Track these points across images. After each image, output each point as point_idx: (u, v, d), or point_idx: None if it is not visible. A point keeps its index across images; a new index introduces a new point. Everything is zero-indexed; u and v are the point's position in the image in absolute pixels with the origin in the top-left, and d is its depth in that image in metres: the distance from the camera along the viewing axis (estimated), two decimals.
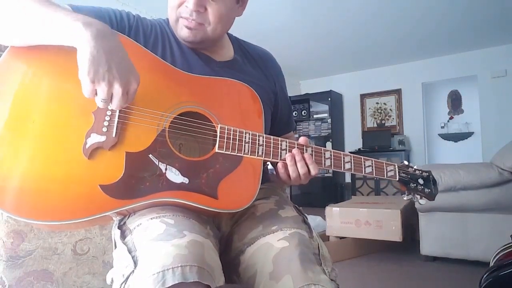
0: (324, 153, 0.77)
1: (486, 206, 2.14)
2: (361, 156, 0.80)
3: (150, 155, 0.65)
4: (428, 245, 2.36)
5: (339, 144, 5.72)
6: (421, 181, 0.84)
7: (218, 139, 0.71)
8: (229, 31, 0.90)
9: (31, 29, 0.60)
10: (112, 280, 0.58)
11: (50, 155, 0.61)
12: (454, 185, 2.16)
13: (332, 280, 0.64)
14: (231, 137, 0.72)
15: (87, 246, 0.97)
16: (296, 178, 0.75)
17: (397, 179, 0.82)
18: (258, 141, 0.73)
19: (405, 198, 0.86)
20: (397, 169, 0.82)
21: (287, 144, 0.75)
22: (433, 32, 4.19)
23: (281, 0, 3.35)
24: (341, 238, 2.64)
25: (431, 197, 0.85)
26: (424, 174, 0.86)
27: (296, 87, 6.26)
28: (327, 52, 4.86)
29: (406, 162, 0.86)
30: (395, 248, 2.64)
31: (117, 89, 0.57)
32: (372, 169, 0.80)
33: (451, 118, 6.40)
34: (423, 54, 5.01)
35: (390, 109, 5.62)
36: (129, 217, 0.69)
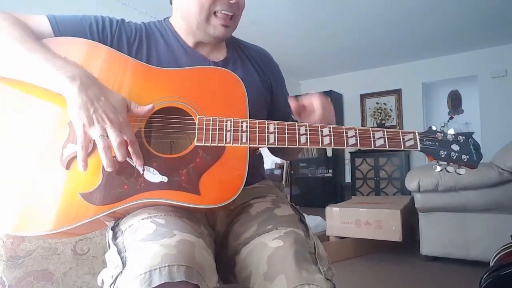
0: (322, 130, 0.70)
1: (486, 206, 2.14)
2: (369, 128, 0.71)
3: (127, 158, 0.65)
4: (428, 245, 2.36)
5: None
6: (455, 147, 0.71)
7: (196, 131, 0.68)
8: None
9: (14, 70, 0.64)
10: (103, 282, 0.58)
11: (30, 170, 0.63)
12: (454, 185, 2.16)
13: (328, 279, 0.63)
14: (211, 127, 0.68)
15: (87, 246, 0.97)
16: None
17: (419, 149, 0.70)
18: (241, 127, 0.68)
19: (436, 170, 0.71)
20: (417, 136, 0.70)
21: (275, 126, 0.69)
22: (433, 32, 4.19)
23: (281, 0, 3.35)
24: (341, 238, 2.64)
25: (472, 164, 0.70)
26: (461, 137, 0.72)
27: (296, 87, 6.25)
28: (327, 52, 4.86)
29: (434, 127, 0.73)
30: (395, 248, 2.64)
31: (108, 119, 0.60)
32: (385, 141, 0.69)
33: (451, 118, 6.39)
34: (423, 54, 5.01)
35: (390, 109, 5.62)
36: (122, 218, 0.69)
